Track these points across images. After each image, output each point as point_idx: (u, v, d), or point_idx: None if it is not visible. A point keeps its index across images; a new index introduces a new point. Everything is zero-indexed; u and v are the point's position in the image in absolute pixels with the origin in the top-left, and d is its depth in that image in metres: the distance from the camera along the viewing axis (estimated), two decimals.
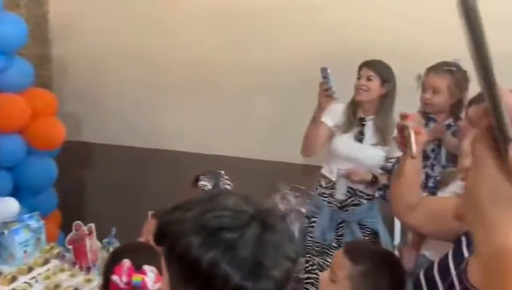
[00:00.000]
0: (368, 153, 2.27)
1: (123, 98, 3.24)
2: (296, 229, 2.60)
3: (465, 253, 1.12)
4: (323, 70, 2.13)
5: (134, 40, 3.10)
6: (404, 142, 1.22)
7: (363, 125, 2.30)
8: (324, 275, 1.34)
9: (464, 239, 1.15)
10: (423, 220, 1.30)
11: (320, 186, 2.41)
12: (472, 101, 1.65)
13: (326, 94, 2.14)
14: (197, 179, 2.13)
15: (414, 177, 1.29)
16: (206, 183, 2.15)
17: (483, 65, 0.41)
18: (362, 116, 2.30)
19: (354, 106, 2.31)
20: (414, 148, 1.18)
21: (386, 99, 2.25)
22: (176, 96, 3.13)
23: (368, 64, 2.25)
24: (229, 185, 2.16)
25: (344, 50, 2.63)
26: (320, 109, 2.21)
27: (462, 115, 1.92)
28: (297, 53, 2.77)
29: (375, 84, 2.23)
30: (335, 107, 2.34)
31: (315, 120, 2.25)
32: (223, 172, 2.16)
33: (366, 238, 2.33)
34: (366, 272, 1.24)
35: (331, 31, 2.70)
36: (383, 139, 2.24)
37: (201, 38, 2.99)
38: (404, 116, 1.25)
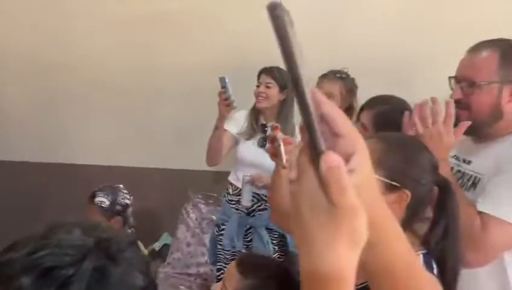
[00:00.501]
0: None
1: (22, 110, 3.04)
2: (207, 238, 2.59)
3: None
4: (222, 80, 2.14)
5: (36, 49, 2.92)
6: (275, 153, 1.24)
7: (266, 131, 2.33)
8: (217, 287, 1.33)
9: None
10: None
11: (228, 193, 2.41)
12: (363, 107, 1.72)
13: (225, 103, 2.15)
14: (93, 196, 2.05)
15: (286, 186, 1.30)
16: (103, 199, 2.07)
17: (293, 77, 0.41)
18: (264, 122, 2.33)
19: (255, 113, 2.34)
20: (284, 158, 1.20)
21: (285, 105, 2.30)
22: (78, 106, 2.99)
23: (266, 72, 2.29)
24: (128, 198, 2.10)
25: (248, 57, 2.65)
26: (221, 118, 2.22)
27: (353, 120, 2.00)
28: (202, 61, 2.75)
29: (274, 91, 2.27)
30: (238, 115, 2.36)
31: (217, 129, 2.25)
32: (121, 186, 2.10)
33: (274, 242, 2.36)
34: (253, 287, 1.24)
35: (235, 39, 2.71)
36: None
37: (102, 46, 2.87)
38: (273, 128, 1.27)
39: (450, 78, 1.31)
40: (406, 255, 0.55)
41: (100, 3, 2.85)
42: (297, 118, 2.35)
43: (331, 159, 0.41)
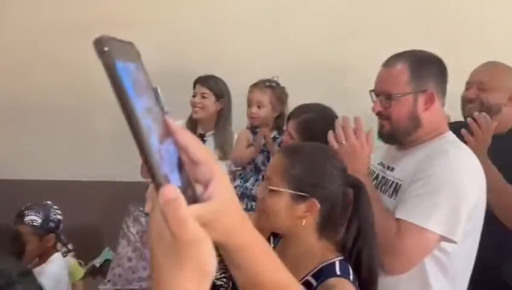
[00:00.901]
0: None
1: None
2: (149, 252, 2.53)
3: None
4: (154, 91, 2.07)
5: None
6: None
7: (204, 141, 2.32)
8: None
9: None
10: None
11: None
12: (289, 115, 1.74)
13: None
14: (21, 215, 1.94)
15: None
16: (34, 218, 1.97)
17: (124, 112, 0.40)
18: (202, 132, 2.32)
19: (192, 123, 2.31)
20: None
21: (222, 114, 2.30)
22: (12, 119, 2.85)
23: (202, 81, 2.28)
24: (60, 214, 2.01)
25: (186, 65, 2.63)
26: None
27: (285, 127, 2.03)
28: None
29: (210, 101, 2.26)
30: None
31: None
32: (50, 203, 2.00)
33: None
34: None
35: (172, 48, 2.68)
36: (223, 153, 2.28)
37: (35, 56, 2.76)
38: None
39: (370, 91, 1.35)
40: (274, 274, 0.55)
41: (36, 11, 2.74)
42: (235, 127, 2.35)
43: (167, 192, 0.40)
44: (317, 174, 1.03)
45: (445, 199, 1.13)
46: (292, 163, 1.03)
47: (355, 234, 1.02)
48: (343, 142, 1.21)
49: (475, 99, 1.72)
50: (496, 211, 1.40)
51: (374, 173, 1.39)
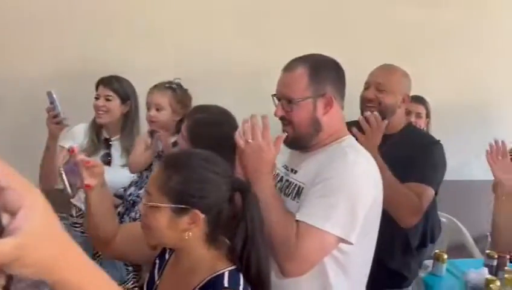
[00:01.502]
0: (117, 175, 2.15)
1: None
2: None
3: (156, 277, 1.13)
4: (49, 95, 1.87)
5: None
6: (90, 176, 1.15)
7: (110, 146, 2.19)
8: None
9: (157, 262, 1.15)
10: (124, 248, 1.24)
11: (71, 216, 2.22)
12: (186, 116, 1.68)
13: (54, 121, 1.89)
14: None
15: (101, 209, 1.20)
16: None
17: None
18: (107, 137, 2.19)
19: (96, 127, 2.17)
20: (68, 187, 1.10)
21: (129, 118, 2.17)
22: None
23: (105, 83, 2.12)
24: None
25: (88, 66, 2.48)
26: (52, 137, 1.95)
27: None
28: (37, 69, 2.49)
29: (115, 104, 2.12)
30: (76, 129, 2.16)
31: (48, 149, 1.99)
32: None
33: (129, 268, 2.22)
34: None
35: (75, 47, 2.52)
36: None
37: None
38: (70, 150, 1.15)
39: (272, 96, 1.35)
40: None
41: None
42: (143, 129, 2.25)
43: None
44: (196, 183, 0.99)
45: (342, 201, 1.15)
46: (170, 175, 1.00)
47: (244, 238, 0.99)
48: (250, 140, 1.19)
49: (374, 100, 1.81)
50: (386, 206, 1.49)
51: (279, 175, 1.40)
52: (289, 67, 1.31)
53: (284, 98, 1.29)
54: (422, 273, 2.23)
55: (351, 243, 1.17)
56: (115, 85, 2.12)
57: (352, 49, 2.57)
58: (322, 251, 1.18)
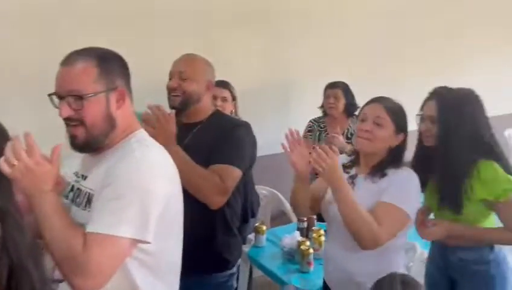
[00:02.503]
0: None
1: None
2: None
3: None
4: None
5: None
6: None
7: None
8: None
9: None
10: None
11: None
12: None
13: None
14: None
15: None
16: None
17: None
18: None
19: None
20: None
21: None
22: None
23: None
24: None
25: None
26: None
27: None
28: None
29: None
30: None
31: None
32: None
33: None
34: None
35: None
36: None
37: None
38: None
39: (50, 95, 1.20)
40: None
41: None
42: None
43: None
44: None
45: (132, 202, 1.10)
46: None
47: (10, 267, 0.84)
48: (15, 163, 1.03)
49: (177, 88, 1.81)
50: (192, 193, 1.51)
51: (70, 184, 1.29)
52: (71, 60, 1.18)
53: (71, 95, 1.16)
54: (246, 248, 2.37)
55: (148, 242, 1.12)
56: None
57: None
58: (115, 258, 1.10)
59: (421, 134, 1.82)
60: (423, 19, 3.88)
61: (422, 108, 1.84)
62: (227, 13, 3.04)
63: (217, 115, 1.94)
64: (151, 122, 1.61)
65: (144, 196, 1.12)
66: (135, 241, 1.11)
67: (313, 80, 3.34)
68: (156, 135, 1.44)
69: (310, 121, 3.14)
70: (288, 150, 1.62)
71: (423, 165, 1.77)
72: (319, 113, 3.17)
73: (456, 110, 1.71)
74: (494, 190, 1.65)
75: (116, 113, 1.21)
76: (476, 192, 1.67)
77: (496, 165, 1.68)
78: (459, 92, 1.78)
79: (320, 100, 3.12)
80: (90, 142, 1.20)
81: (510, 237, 1.69)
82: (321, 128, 3.10)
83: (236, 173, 1.76)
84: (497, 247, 1.77)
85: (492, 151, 1.72)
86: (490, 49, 4.27)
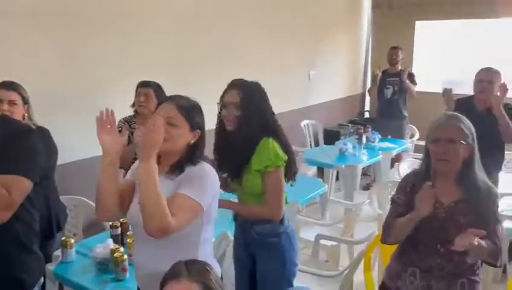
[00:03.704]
0: None
1: None
2: None
3: None
4: None
5: None
6: None
7: None
8: None
9: None
10: None
11: None
12: None
13: None
14: None
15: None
16: None
17: None
18: None
19: None
20: None
21: None
22: None
23: None
24: None
25: None
26: None
27: None
28: None
29: None
30: None
31: None
32: None
33: None
34: None
35: None
36: None
37: None
38: None
39: None
40: None
41: None
42: None
43: None
44: None
45: None
46: None
47: None
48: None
49: None
50: None
51: None
52: None
53: None
54: (52, 266, 2.14)
55: None
56: None
57: None
58: None
59: (221, 121, 1.99)
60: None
61: (222, 97, 1.98)
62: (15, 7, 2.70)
63: (1, 120, 1.71)
64: None
65: None
66: None
67: (121, 78, 3.24)
68: None
69: (120, 121, 3.01)
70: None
71: (222, 148, 2.01)
72: (130, 113, 3.07)
73: (254, 95, 1.97)
74: (263, 160, 1.91)
75: None
76: (253, 164, 1.92)
77: (273, 142, 1.94)
78: (252, 83, 2.01)
79: (131, 100, 3.03)
80: None
81: (264, 211, 1.99)
82: (132, 128, 3.00)
83: (24, 183, 1.57)
84: (286, 221, 2.05)
85: (276, 133, 1.99)
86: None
